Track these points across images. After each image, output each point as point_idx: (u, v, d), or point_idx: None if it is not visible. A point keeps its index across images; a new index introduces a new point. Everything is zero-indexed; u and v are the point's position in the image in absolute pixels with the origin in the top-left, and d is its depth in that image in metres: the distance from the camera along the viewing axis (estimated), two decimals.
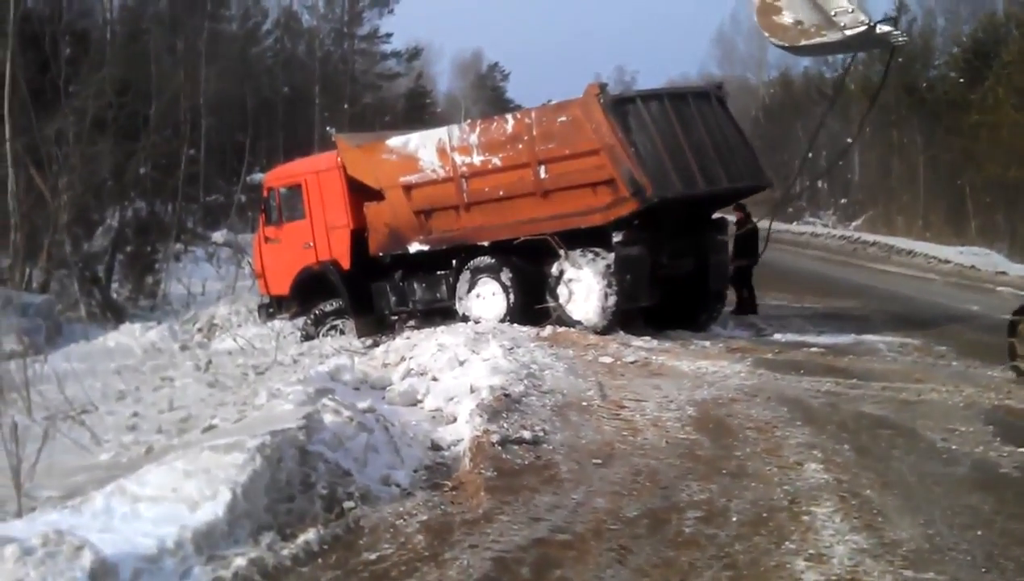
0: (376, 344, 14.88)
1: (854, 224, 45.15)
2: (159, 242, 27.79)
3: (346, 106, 45.13)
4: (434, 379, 11.10)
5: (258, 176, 36.63)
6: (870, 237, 37.48)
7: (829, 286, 23.47)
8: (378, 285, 16.64)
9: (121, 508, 6.29)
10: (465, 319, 15.26)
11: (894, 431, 9.31)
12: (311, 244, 16.96)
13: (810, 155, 39.41)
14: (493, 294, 15.16)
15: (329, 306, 17.01)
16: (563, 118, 14.36)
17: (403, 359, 12.34)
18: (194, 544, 6.02)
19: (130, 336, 18.59)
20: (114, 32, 31.88)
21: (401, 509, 7.16)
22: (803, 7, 11.32)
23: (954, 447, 8.74)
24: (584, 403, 10.39)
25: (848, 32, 10.98)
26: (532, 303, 14.89)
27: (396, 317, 16.76)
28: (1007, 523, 6.83)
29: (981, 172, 34.62)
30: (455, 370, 11.31)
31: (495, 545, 6.50)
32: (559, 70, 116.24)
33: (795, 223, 47.27)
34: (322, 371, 10.79)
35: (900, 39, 12.50)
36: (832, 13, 10.94)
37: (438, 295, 16.05)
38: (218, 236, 32.00)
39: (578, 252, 14.46)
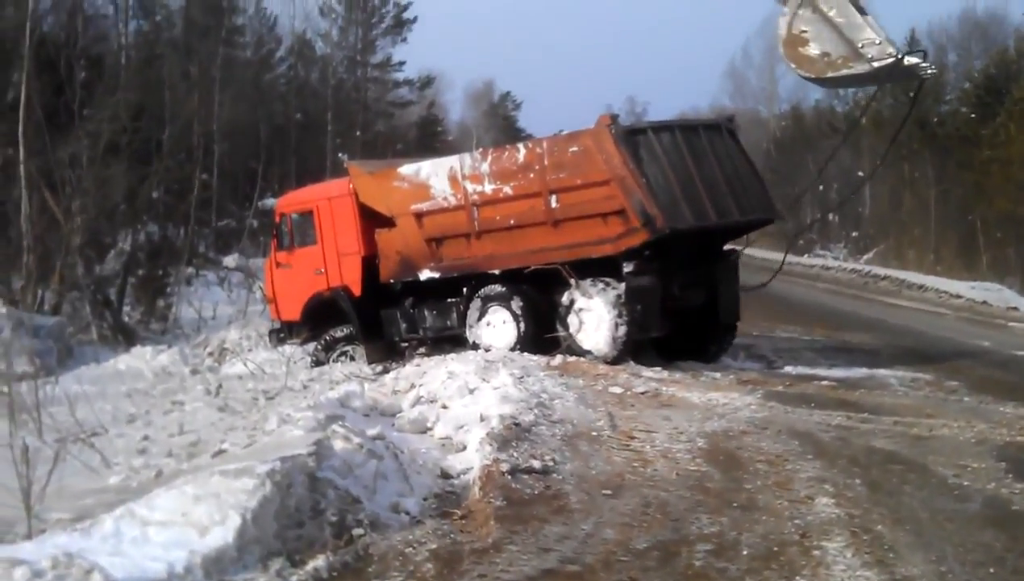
0: (386, 371, 14.87)
1: (865, 257, 45.08)
2: (171, 266, 27.85)
3: (358, 133, 45.32)
4: (444, 407, 11.08)
5: (270, 201, 36.74)
6: (881, 271, 37.41)
7: (840, 319, 23.41)
8: (388, 312, 16.63)
9: (131, 532, 6.29)
10: (475, 347, 15.25)
11: (905, 466, 9.26)
12: (322, 270, 16.98)
13: (821, 187, 39.55)
14: (504, 322, 15.16)
15: (340, 332, 17.02)
16: (574, 148, 14.36)
17: (413, 386, 12.33)
18: (203, 569, 6.02)
19: (141, 359, 18.61)
20: (129, 57, 32.09)
21: (410, 537, 7.14)
22: (830, 39, 11.30)
23: (966, 483, 8.69)
24: (594, 433, 10.37)
25: (876, 64, 10.94)
26: (543, 332, 14.85)
27: (406, 344, 16.75)
28: (1019, 560, 6.80)
29: (992, 207, 34.63)
30: (465, 398, 11.30)
31: (504, 575, 6.48)
32: (571, 100, 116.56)
33: (806, 256, 47.23)
34: (332, 397, 10.79)
35: (929, 71, 12.42)
36: (860, 45, 10.92)
37: (448, 323, 16.03)
38: (230, 261, 32.10)
39: (589, 282, 14.44)
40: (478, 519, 7.61)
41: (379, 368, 15.46)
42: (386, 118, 52.37)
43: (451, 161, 15.72)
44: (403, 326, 16.56)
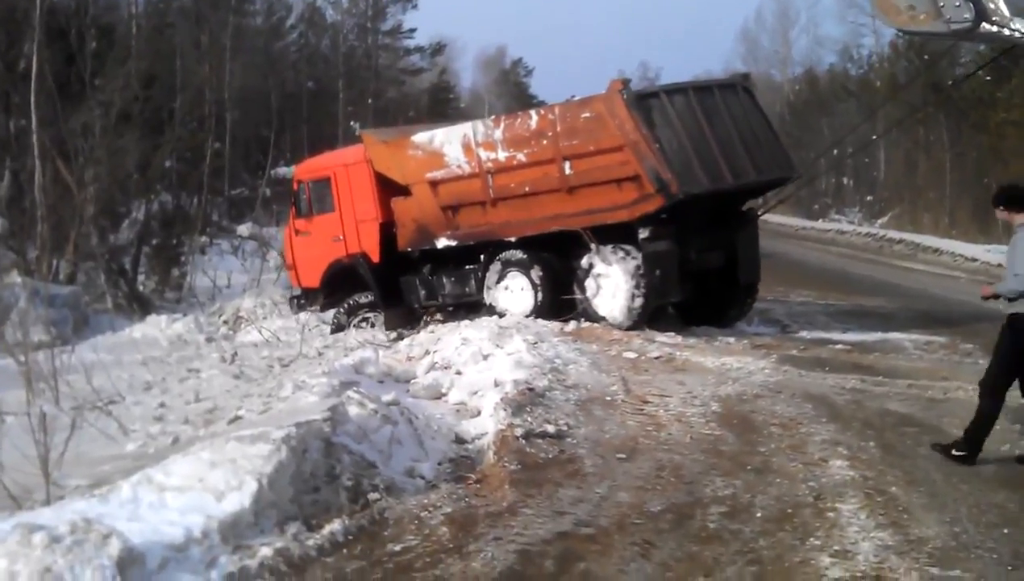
0: (400, 337, 14.91)
1: (880, 222, 44.83)
2: (184, 235, 27.91)
3: (370, 101, 45.26)
4: (458, 373, 11.11)
5: (283, 170, 36.84)
6: (896, 235, 37.22)
7: (854, 283, 23.33)
8: (407, 279, 16.64)
9: (148, 497, 6.33)
10: (491, 310, 15.28)
11: (920, 429, 9.27)
12: (341, 237, 16.96)
13: (835, 152, 39.28)
14: (522, 289, 15.12)
15: (364, 298, 17.04)
16: (587, 114, 14.24)
17: (427, 353, 12.36)
18: (220, 534, 6.06)
19: (156, 328, 18.74)
20: (139, 26, 31.98)
21: (425, 501, 7.18)
22: None
23: None
24: (608, 398, 10.39)
25: (953, 27, 10.84)
26: (559, 298, 14.85)
27: (424, 310, 16.77)
28: None
29: (1008, 169, 34.30)
30: (479, 364, 11.32)
31: (519, 538, 6.52)
32: (583, 66, 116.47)
33: (821, 220, 47.04)
34: (347, 364, 10.83)
35: (1017, 34, 12.13)
36: (941, 4, 10.78)
37: (467, 289, 16.03)
38: (243, 229, 32.17)
39: (609, 248, 14.35)
40: (492, 483, 7.64)
41: (393, 335, 15.49)
42: (397, 85, 52.28)
43: (464, 128, 15.66)
44: (422, 293, 16.58)
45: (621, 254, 14.28)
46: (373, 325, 16.77)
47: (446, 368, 11.41)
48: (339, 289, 17.29)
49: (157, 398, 12.14)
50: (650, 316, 14.53)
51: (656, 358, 12.58)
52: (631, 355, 12.63)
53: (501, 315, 14.92)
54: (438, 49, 56.74)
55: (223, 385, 12.58)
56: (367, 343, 14.40)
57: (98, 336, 18.38)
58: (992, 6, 11.07)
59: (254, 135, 38.36)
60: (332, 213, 17.12)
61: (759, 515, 6.95)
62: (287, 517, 6.49)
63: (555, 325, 14.06)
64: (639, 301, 14.18)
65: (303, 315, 17.49)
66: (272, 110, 37.02)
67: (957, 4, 10.58)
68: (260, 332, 17.14)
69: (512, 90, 76.83)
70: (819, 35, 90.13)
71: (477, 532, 6.63)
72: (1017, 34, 11.57)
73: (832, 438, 8.88)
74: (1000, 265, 27.13)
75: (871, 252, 33.87)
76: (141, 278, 25.42)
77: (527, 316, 14.72)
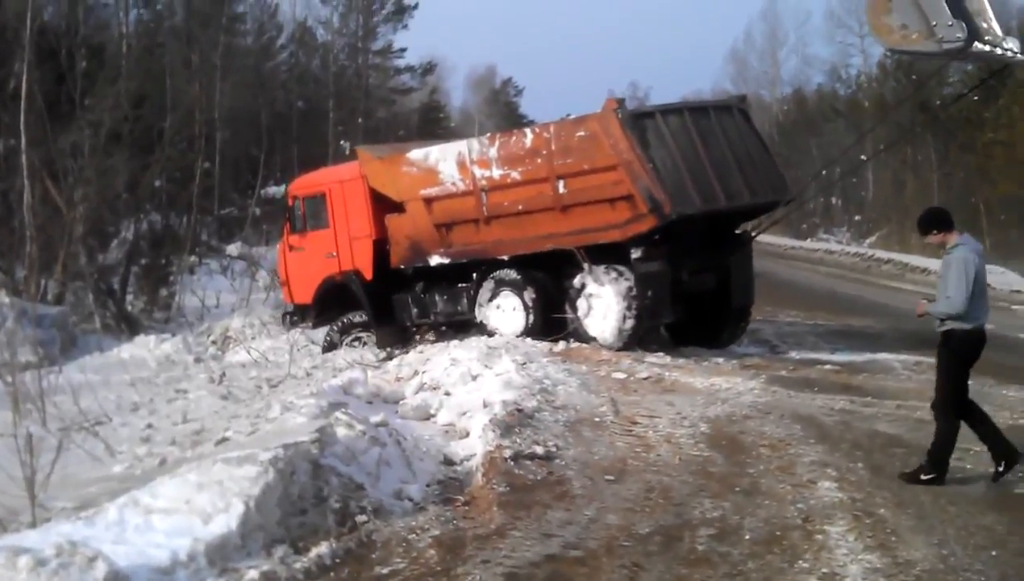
0: (390, 357, 14.88)
1: (868, 241, 45.03)
2: (173, 255, 27.80)
3: (360, 120, 45.27)
4: (447, 394, 11.11)
5: (272, 189, 36.85)
6: (884, 254, 37.36)
7: (843, 303, 23.39)
8: (400, 297, 16.58)
9: (134, 520, 6.31)
10: (482, 327, 15.26)
11: (908, 450, 9.26)
12: (334, 254, 16.93)
13: (824, 172, 39.42)
14: (514, 309, 15.07)
15: (357, 317, 16.99)
16: (581, 133, 14.21)
17: (416, 373, 12.35)
18: (207, 557, 6.04)
19: (144, 348, 18.65)
20: (130, 46, 31.96)
21: (413, 523, 7.16)
22: (911, 11, 11.11)
23: (968, 467, 8.69)
24: (597, 419, 10.39)
25: (945, 46, 10.82)
26: (550, 318, 14.80)
27: (416, 329, 16.72)
28: (1021, 543, 6.81)
29: (995, 189, 34.53)
30: (468, 385, 11.32)
31: (507, 561, 6.50)
32: (573, 86, 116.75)
33: (809, 240, 47.22)
34: (335, 385, 10.79)
35: (1009, 54, 12.08)
36: (933, 23, 10.77)
37: (459, 308, 15.97)
38: (232, 249, 32.09)
39: (602, 268, 14.30)
40: (481, 505, 7.63)
41: (382, 355, 15.47)
42: (388, 105, 52.31)
43: (459, 146, 15.66)
44: (414, 311, 16.51)
45: (614, 275, 14.23)
46: (365, 344, 16.72)
47: (435, 389, 11.41)
48: (332, 306, 17.22)
49: (144, 419, 12.09)
50: (641, 337, 14.49)
51: (645, 378, 12.59)
52: (620, 375, 12.63)
53: (491, 334, 14.90)
54: (429, 68, 56.88)
55: (211, 406, 12.54)
56: (356, 363, 14.38)
57: (86, 356, 18.28)
58: (984, 25, 11.10)
59: (244, 155, 38.30)
60: (326, 229, 17.08)
61: (748, 537, 6.94)
62: (274, 540, 6.47)
63: (544, 345, 14.06)
64: (630, 323, 14.13)
65: (294, 333, 17.44)
66: (262, 130, 37.00)
67: (950, 24, 10.59)
68: (249, 352, 17.08)
69: (502, 109, 76.99)
70: (808, 55, 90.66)
71: (465, 555, 6.61)
72: (1009, 53, 11.60)
73: (821, 459, 8.89)
74: (988, 285, 27.31)
75: (859, 272, 33.99)
76: (129, 298, 25.30)
77: (518, 336, 14.70)
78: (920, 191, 41.82)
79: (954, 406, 8.37)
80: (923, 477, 8.27)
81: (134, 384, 14.78)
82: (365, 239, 16.60)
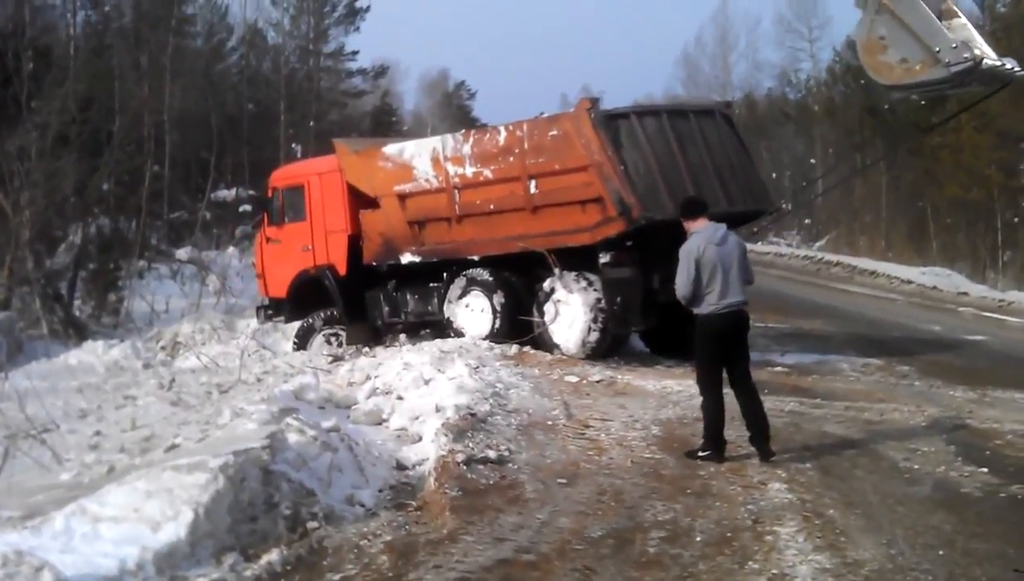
0: (340, 360, 14.78)
1: (817, 245, 45.52)
2: (122, 259, 27.48)
3: (312, 123, 44.97)
4: (399, 398, 11.06)
5: (223, 193, 36.52)
6: (833, 257, 37.79)
7: (793, 306, 23.60)
8: (372, 294, 16.43)
9: (82, 528, 6.22)
10: (449, 323, 15.19)
11: (857, 451, 9.38)
12: (309, 247, 16.78)
13: (774, 175, 39.79)
14: (482, 310, 14.95)
15: (330, 312, 16.83)
16: (554, 132, 13.98)
17: (368, 378, 12.29)
18: (155, 565, 5.97)
19: (92, 354, 18.42)
20: (77, 47, 31.65)
21: (365, 529, 7.12)
22: (908, 43, 11.01)
23: (916, 467, 8.82)
24: (549, 422, 10.39)
25: (953, 69, 10.72)
26: (517, 321, 14.66)
27: (388, 328, 16.58)
28: (969, 543, 6.89)
29: (942, 193, 34.97)
30: (420, 389, 11.28)
31: (459, 565, 6.48)
32: (526, 90, 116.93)
33: (759, 243, 47.54)
34: (286, 390, 10.70)
35: (1017, 72, 11.99)
36: (936, 49, 10.68)
37: (430, 307, 15.84)
38: (182, 253, 31.78)
39: (572, 275, 14.10)
40: (433, 510, 7.60)
41: (331, 359, 15.36)
42: (340, 108, 52.00)
43: (435, 141, 15.55)
44: (386, 309, 16.38)
45: (584, 284, 14.05)
46: (342, 343, 16.53)
47: (387, 393, 11.35)
48: (306, 301, 17.03)
49: (92, 426, 11.90)
50: (610, 346, 14.30)
51: (598, 382, 12.61)
52: (573, 379, 12.65)
53: (457, 333, 14.82)
54: (381, 72, 56.63)
55: (160, 412, 12.37)
56: (306, 368, 14.28)
57: (32, 363, 18.04)
58: (978, 52, 11.08)
59: (194, 158, 37.97)
60: (303, 222, 16.94)
61: (699, 539, 6.98)
62: (224, 548, 6.40)
63: (498, 349, 14.03)
64: (595, 335, 13.99)
65: (241, 340, 17.29)
66: (213, 132, 36.69)
67: (954, 45, 10.47)
68: (199, 358, 16.90)
69: (455, 113, 76.85)
70: (758, 60, 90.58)
71: (417, 560, 6.58)
72: (1017, 70, 11.54)
73: (771, 461, 8.95)
74: (935, 287, 27.71)
75: (809, 275, 34.38)
76: (77, 303, 24.99)
77: (483, 338, 14.61)
78: (868, 195, 42.35)
79: (708, 385, 9.09)
80: (700, 454, 8.96)
81: (82, 390, 14.58)
82: (341, 233, 16.45)
